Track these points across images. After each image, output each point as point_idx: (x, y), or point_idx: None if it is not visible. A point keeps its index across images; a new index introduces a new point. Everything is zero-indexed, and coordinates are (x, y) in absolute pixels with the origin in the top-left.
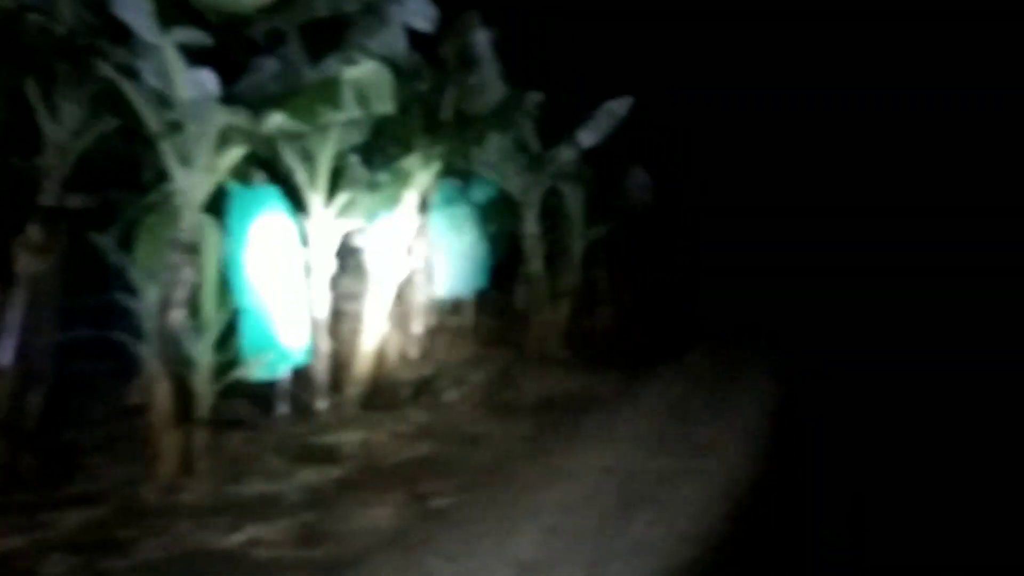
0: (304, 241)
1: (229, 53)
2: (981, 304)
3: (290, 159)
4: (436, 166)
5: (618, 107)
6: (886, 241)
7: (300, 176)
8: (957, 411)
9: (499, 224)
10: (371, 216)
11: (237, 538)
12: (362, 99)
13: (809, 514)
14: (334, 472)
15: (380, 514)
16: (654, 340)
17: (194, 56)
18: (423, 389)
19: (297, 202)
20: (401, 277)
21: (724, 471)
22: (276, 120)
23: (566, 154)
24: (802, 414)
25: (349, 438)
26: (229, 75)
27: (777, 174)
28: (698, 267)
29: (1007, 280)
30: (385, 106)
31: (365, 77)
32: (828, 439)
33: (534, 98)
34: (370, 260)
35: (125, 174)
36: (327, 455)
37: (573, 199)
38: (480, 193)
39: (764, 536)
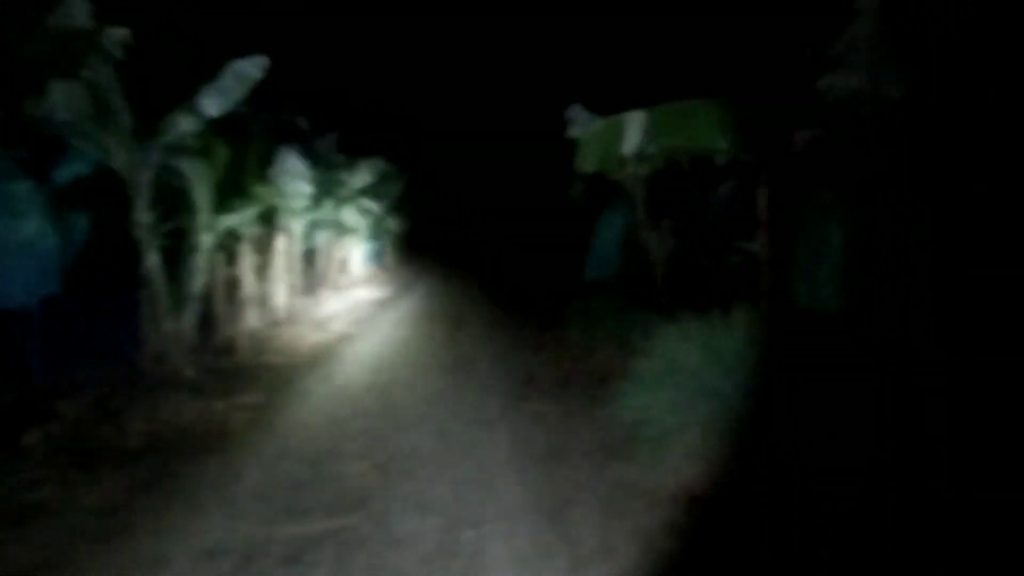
0: None
1: None
2: None
3: None
4: None
5: (249, 67)
6: None
7: None
8: None
9: (96, 210)
10: None
11: None
12: None
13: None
14: None
15: None
16: (309, 348)
17: None
18: None
19: None
20: None
21: (374, 530)
22: None
23: (185, 123)
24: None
25: None
26: None
27: None
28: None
29: None
30: None
31: None
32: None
33: (116, 36)
34: None
35: None
36: None
37: (198, 181)
38: (69, 170)
39: None
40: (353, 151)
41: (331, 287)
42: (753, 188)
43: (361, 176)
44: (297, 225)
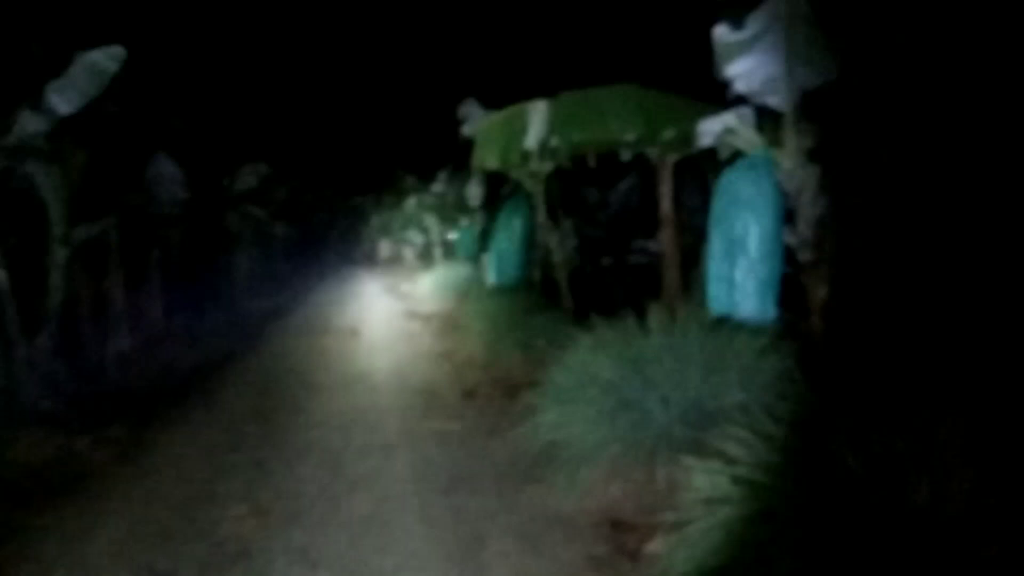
0: None
1: None
2: None
3: None
4: None
5: (103, 59)
6: None
7: None
8: None
9: None
10: None
11: None
12: None
13: None
14: None
15: None
16: (188, 368)
17: None
18: None
19: None
20: None
21: None
22: None
23: (31, 123)
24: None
25: None
26: None
27: None
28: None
29: None
30: None
31: None
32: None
33: None
34: None
35: None
36: None
37: (49, 188)
38: None
39: None
40: (235, 154)
41: (213, 299)
42: (653, 185)
43: (243, 180)
44: (175, 234)
